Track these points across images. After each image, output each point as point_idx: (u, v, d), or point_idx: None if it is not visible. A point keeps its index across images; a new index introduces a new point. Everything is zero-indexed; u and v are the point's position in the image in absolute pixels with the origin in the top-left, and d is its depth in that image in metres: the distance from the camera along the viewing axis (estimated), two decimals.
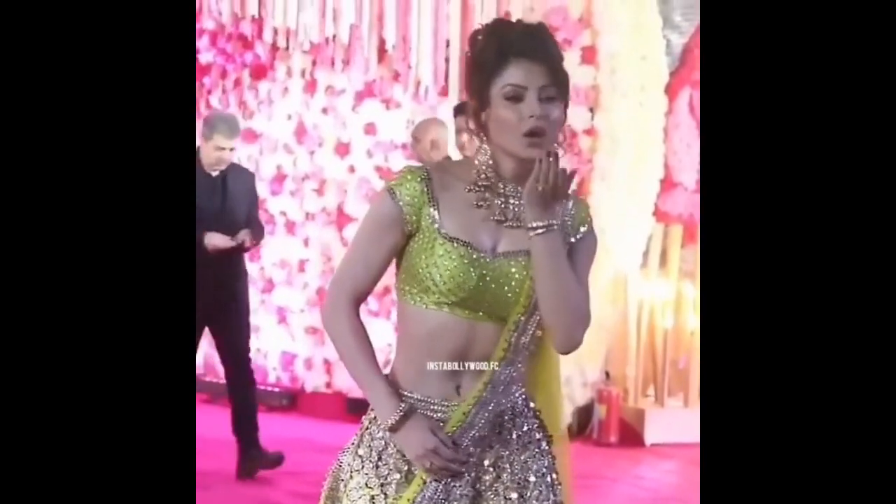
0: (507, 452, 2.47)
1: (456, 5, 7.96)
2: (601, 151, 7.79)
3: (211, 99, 9.45)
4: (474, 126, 2.45)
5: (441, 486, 2.42)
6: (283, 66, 9.01)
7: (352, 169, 8.70)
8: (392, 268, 2.49)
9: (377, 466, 2.45)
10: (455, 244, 2.39)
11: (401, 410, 2.41)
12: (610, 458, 7.61)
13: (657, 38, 8.10)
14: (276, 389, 8.76)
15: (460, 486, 2.43)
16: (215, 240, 6.29)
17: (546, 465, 2.51)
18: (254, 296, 7.64)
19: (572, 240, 2.46)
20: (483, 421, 2.44)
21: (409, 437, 2.41)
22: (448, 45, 8.01)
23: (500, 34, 2.41)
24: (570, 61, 7.01)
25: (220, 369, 6.97)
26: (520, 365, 2.47)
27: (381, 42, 8.20)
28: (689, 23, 8.18)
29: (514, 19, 2.88)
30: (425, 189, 2.42)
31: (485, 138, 2.43)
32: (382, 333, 7.58)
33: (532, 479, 2.48)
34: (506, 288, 2.41)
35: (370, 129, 8.60)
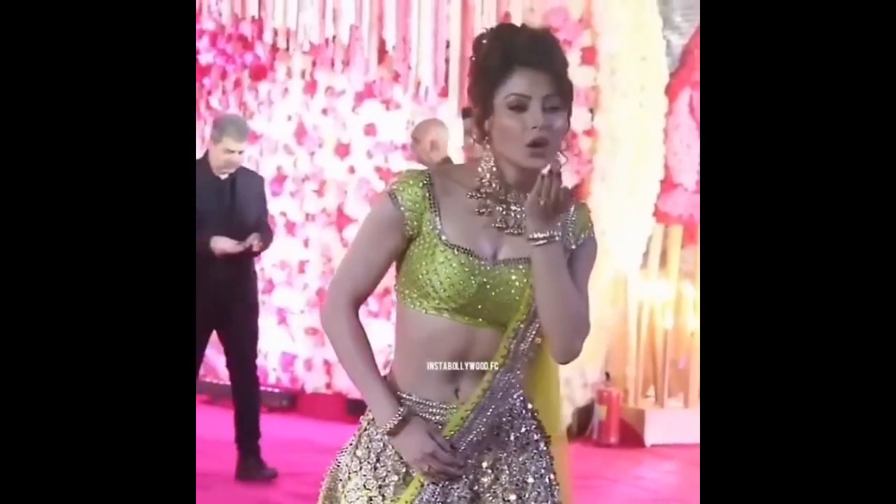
0: (505, 454, 2.47)
1: (456, 6, 7.96)
2: (601, 152, 7.79)
3: (211, 100, 9.45)
4: (477, 133, 2.44)
5: (439, 489, 2.41)
6: (283, 66, 9.01)
7: (352, 170, 8.70)
8: (392, 269, 2.49)
9: (375, 468, 2.45)
10: (456, 251, 2.39)
11: (399, 415, 2.41)
12: (610, 458, 7.61)
13: (657, 38, 8.11)
14: (277, 390, 8.76)
15: (458, 488, 2.43)
16: (223, 244, 6.22)
17: (544, 465, 2.50)
18: None
19: (573, 247, 2.46)
20: (481, 426, 2.44)
21: (408, 440, 2.41)
22: (448, 46, 8.01)
23: (505, 40, 2.40)
24: (571, 62, 7.03)
25: (221, 370, 6.97)
26: (518, 371, 2.47)
27: (381, 43, 8.20)
28: (689, 23, 8.18)
29: (514, 20, 2.88)
30: (427, 194, 2.42)
31: (488, 145, 2.43)
32: (382, 334, 7.56)
33: (530, 480, 2.47)
34: (506, 295, 2.41)
35: (370, 129, 8.60)
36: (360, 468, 2.46)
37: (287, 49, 8.66)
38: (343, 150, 8.75)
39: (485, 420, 2.44)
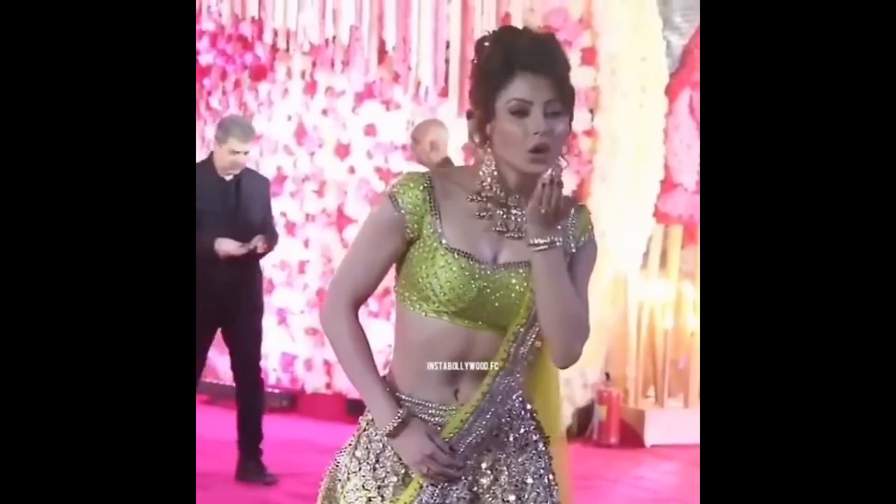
0: (504, 455, 2.47)
1: (456, 6, 7.96)
2: (601, 152, 7.79)
3: (211, 100, 9.45)
4: (479, 137, 2.43)
5: (438, 490, 2.41)
6: (283, 67, 9.01)
7: (352, 170, 8.70)
8: (392, 270, 2.49)
9: (374, 469, 2.45)
10: (456, 255, 2.39)
11: (399, 417, 2.41)
12: (610, 459, 7.61)
13: (657, 39, 8.10)
14: (277, 390, 8.75)
15: (457, 489, 2.43)
16: (227, 246, 6.19)
17: (543, 466, 2.50)
18: None
19: (573, 250, 2.46)
20: (480, 429, 2.44)
21: (407, 442, 2.41)
22: (448, 47, 8.01)
23: (507, 43, 2.39)
24: (571, 62, 7.02)
25: (221, 370, 6.96)
26: (518, 375, 2.47)
27: (381, 43, 8.20)
28: (689, 24, 8.18)
29: (514, 21, 2.87)
30: (427, 197, 2.42)
31: (489, 149, 2.42)
32: (382, 334, 7.56)
33: (530, 480, 2.48)
34: (506, 299, 2.40)
35: (370, 130, 8.60)
36: (360, 469, 2.46)
37: (287, 49, 8.66)
38: (343, 150, 8.75)
39: (484, 423, 2.44)
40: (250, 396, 6.50)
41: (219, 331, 6.44)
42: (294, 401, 8.79)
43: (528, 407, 2.52)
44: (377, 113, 8.56)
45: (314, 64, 8.84)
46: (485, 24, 7.72)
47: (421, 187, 2.42)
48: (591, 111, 7.74)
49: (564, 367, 2.46)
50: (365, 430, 2.49)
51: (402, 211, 2.41)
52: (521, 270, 2.40)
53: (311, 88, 8.90)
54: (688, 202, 8.25)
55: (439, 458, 2.40)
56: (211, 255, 6.08)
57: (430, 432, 2.42)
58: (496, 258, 2.42)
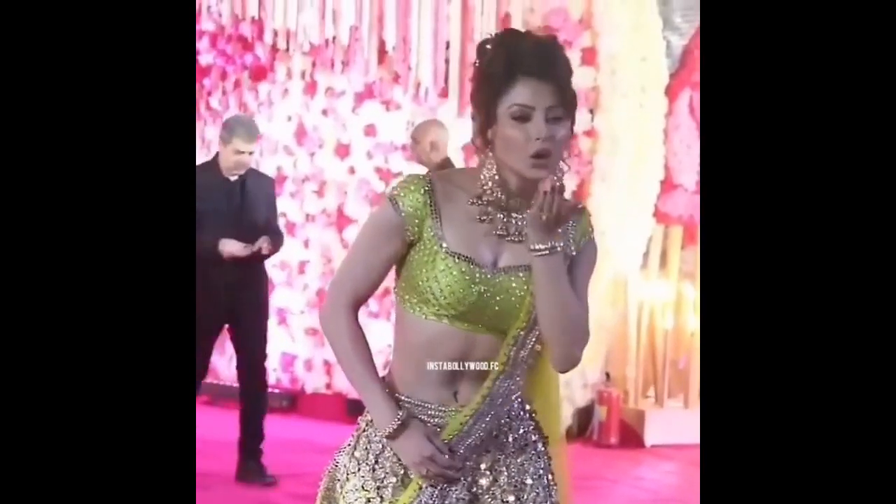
0: (504, 456, 2.47)
1: (456, 6, 7.96)
2: (601, 153, 7.79)
3: (211, 101, 9.45)
4: (480, 141, 2.42)
5: (437, 491, 2.41)
6: (283, 67, 9.01)
7: (352, 170, 8.70)
8: (392, 270, 2.49)
9: (374, 469, 2.45)
10: (456, 259, 2.39)
11: (399, 418, 2.41)
12: (610, 459, 7.62)
13: (657, 39, 8.10)
14: (277, 391, 8.74)
15: (456, 490, 2.43)
16: (231, 247, 6.17)
17: (542, 466, 2.50)
18: None
19: (573, 253, 2.46)
20: (480, 431, 2.44)
21: (406, 444, 2.41)
22: (448, 47, 8.01)
23: (509, 47, 2.37)
24: (571, 62, 7.02)
25: (221, 371, 6.96)
26: (518, 378, 2.46)
27: (381, 43, 8.20)
28: (689, 24, 8.18)
29: (514, 21, 2.87)
30: (428, 201, 2.41)
31: (490, 153, 2.41)
32: (382, 335, 7.56)
33: (529, 481, 2.47)
34: (506, 303, 2.40)
35: (370, 130, 8.60)
36: (359, 469, 2.46)
37: (287, 50, 8.66)
38: (343, 150, 8.75)
39: (483, 425, 2.44)
40: (254, 397, 6.49)
41: (220, 331, 6.44)
42: (294, 401, 8.79)
43: (528, 408, 2.52)
44: (377, 113, 8.56)
45: (314, 64, 8.83)
46: (485, 25, 7.72)
47: (422, 190, 2.42)
48: (591, 111, 7.73)
49: (564, 371, 2.46)
50: (364, 430, 2.49)
51: (403, 214, 2.41)
52: (521, 274, 2.40)
53: (311, 89, 8.90)
54: (688, 202, 8.25)
55: (439, 459, 2.40)
56: (216, 255, 6.07)
57: (429, 434, 2.41)
58: (496, 262, 2.41)
